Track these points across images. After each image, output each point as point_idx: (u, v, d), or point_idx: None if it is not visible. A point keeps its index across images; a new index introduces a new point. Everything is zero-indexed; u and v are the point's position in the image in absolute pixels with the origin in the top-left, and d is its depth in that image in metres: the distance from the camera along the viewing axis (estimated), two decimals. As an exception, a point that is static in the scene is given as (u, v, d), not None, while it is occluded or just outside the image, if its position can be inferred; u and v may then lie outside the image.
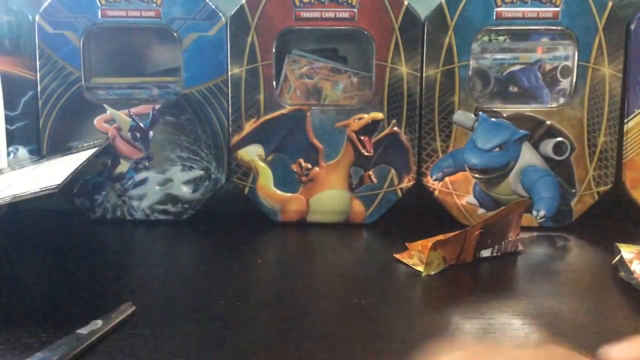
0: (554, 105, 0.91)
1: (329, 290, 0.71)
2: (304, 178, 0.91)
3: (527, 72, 0.93)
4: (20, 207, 0.95)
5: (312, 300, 0.68)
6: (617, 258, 0.74)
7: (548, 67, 0.92)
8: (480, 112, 0.88)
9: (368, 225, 0.92)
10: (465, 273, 0.75)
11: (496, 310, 0.65)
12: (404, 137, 0.90)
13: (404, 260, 0.77)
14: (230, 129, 0.90)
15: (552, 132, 0.88)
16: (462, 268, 0.76)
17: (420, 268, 0.74)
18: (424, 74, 0.88)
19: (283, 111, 0.90)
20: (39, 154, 0.91)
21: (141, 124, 0.90)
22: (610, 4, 0.86)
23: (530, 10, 0.87)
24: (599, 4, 0.86)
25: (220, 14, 0.88)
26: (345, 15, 0.88)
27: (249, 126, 0.90)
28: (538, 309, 0.65)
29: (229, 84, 0.89)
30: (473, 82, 0.91)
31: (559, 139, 0.88)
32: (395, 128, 0.89)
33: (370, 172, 0.91)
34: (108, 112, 0.90)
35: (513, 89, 0.94)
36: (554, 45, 0.92)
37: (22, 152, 0.91)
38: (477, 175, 0.90)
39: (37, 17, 0.88)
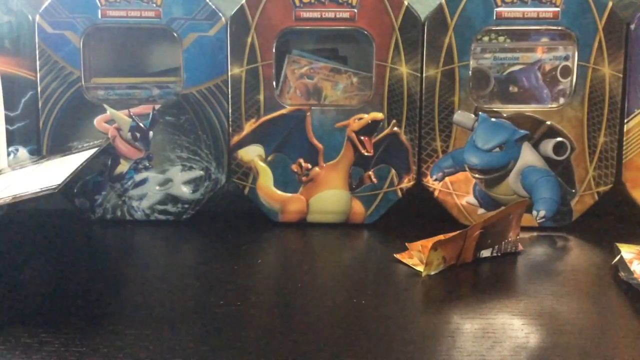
0: (554, 105, 0.91)
1: (328, 290, 0.71)
2: (304, 178, 0.91)
3: (527, 72, 0.93)
4: (20, 207, 0.95)
5: (312, 300, 0.68)
6: (617, 258, 0.74)
7: (548, 67, 0.92)
8: (480, 112, 0.88)
9: (368, 225, 0.92)
10: (465, 273, 0.75)
11: (496, 310, 0.65)
12: (404, 137, 0.90)
13: (404, 260, 0.77)
14: (230, 129, 0.90)
15: (552, 132, 0.88)
16: (462, 268, 0.76)
17: (420, 268, 0.74)
18: (424, 74, 0.88)
19: (283, 111, 0.90)
20: (39, 154, 0.91)
21: (141, 124, 0.90)
22: (610, 4, 0.86)
23: (530, 11, 0.87)
24: (599, 4, 0.86)
25: (220, 14, 0.88)
26: (345, 15, 0.88)
27: (249, 126, 0.90)
28: (538, 309, 0.65)
29: (229, 84, 0.89)
30: (473, 82, 0.91)
31: (559, 139, 0.88)
32: (395, 128, 0.90)
33: (370, 172, 0.91)
34: (108, 112, 0.90)
35: (513, 89, 0.94)
36: (554, 45, 0.92)
37: (22, 152, 0.91)
38: (477, 175, 0.90)
39: (37, 17, 0.88)
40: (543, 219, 0.89)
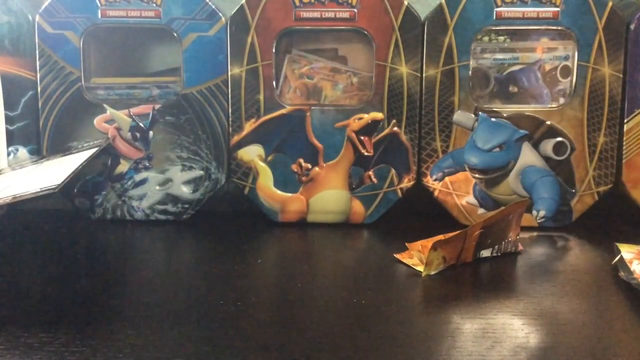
0: (554, 105, 0.91)
1: (329, 290, 0.71)
2: (304, 178, 0.91)
3: (527, 72, 0.93)
4: (20, 207, 0.95)
5: (312, 301, 0.68)
6: (617, 258, 0.74)
7: (548, 67, 0.92)
8: (480, 112, 0.88)
9: (368, 225, 0.92)
10: (465, 273, 0.75)
11: (496, 310, 0.65)
12: (404, 137, 0.90)
13: (404, 260, 0.77)
14: (230, 129, 0.90)
15: (552, 132, 0.89)
16: (462, 268, 0.76)
17: (420, 268, 0.74)
18: (424, 74, 0.88)
19: (283, 111, 0.90)
20: (39, 154, 0.91)
21: (141, 124, 0.90)
22: (610, 4, 0.86)
23: (530, 10, 0.87)
24: (599, 4, 0.86)
25: (220, 14, 0.88)
26: (345, 15, 0.88)
27: (249, 126, 0.90)
28: (538, 309, 0.65)
29: (229, 84, 0.89)
30: (473, 82, 0.91)
31: (559, 139, 0.88)
32: (395, 128, 0.90)
33: (370, 172, 0.91)
34: (108, 112, 0.90)
35: (513, 89, 0.94)
36: (554, 45, 0.92)
37: (22, 152, 0.91)
38: (477, 175, 0.90)
39: (37, 17, 0.88)
40: (543, 219, 0.89)
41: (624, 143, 0.89)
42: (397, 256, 0.78)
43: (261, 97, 0.89)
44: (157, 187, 0.92)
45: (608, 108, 0.88)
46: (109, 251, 0.85)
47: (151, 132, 0.91)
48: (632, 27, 0.87)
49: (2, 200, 0.74)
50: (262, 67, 0.89)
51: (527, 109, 0.89)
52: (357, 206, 0.91)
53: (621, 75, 0.87)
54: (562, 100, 0.91)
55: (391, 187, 0.91)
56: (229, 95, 0.90)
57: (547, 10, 0.87)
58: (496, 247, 0.79)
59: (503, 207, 0.82)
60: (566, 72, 0.91)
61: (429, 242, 0.74)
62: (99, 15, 0.88)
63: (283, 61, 0.93)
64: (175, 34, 0.89)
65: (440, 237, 0.75)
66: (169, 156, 0.91)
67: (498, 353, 0.56)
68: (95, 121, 0.90)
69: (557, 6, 0.86)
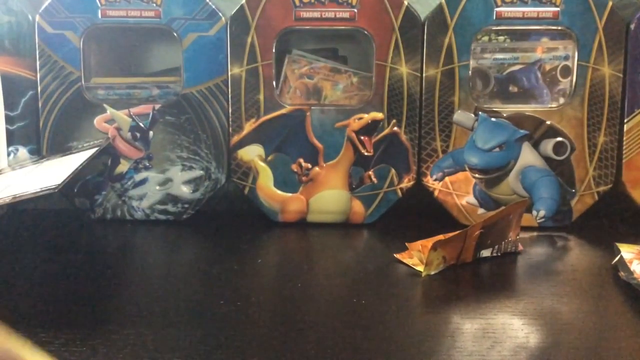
0: (554, 105, 0.91)
1: (329, 290, 0.71)
2: (304, 178, 0.91)
3: (527, 72, 0.93)
4: (20, 207, 0.95)
5: (312, 300, 0.68)
6: (617, 258, 0.74)
7: (548, 67, 0.92)
8: (480, 112, 0.88)
9: (368, 225, 0.92)
10: (465, 273, 0.75)
11: (496, 310, 0.65)
12: (404, 137, 0.90)
13: (404, 260, 0.77)
14: (230, 129, 0.90)
15: (552, 132, 0.88)
16: (462, 268, 0.76)
17: (420, 268, 0.74)
18: (424, 74, 0.88)
19: (283, 111, 0.90)
20: (39, 154, 0.91)
21: (141, 124, 0.90)
22: (610, 4, 0.86)
23: (530, 10, 0.87)
24: (599, 4, 0.86)
25: (220, 14, 0.88)
26: (345, 15, 0.88)
27: (249, 126, 0.90)
28: (538, 309, 0.65)
29: (229, 84, 0.89)
30: (473, 82, 0.91)
31: (559, 139, 0.88)
32: (395, 128, 0.90)
33: (370, 172, 0.91)
34: (108, 112, 0.90)
35: (513, 89, 0.94)
36: (554, 45, 0.92)
37: (22, 152, 0.91)
38: (477, 175, 0.90)
39: (37, 17, 0.88)
40: (543, 219, 0.89)
41: (624, 143, 0.89)
42: (397, 256, 0.78)
43: (261, 97, 0.89)
44: (157, 187, 0.92)
45: (608, 108, 0.88)
46: (109, 251, 0.85)
47: (151, 132, 0.91)
48: (632, 27, 0.87)
49: (2, 200, 0.74)
50: (262, 67, 0.89)
51: (527, 109, 0.89)
52: (357, 206, 0.91)
53: (621, 75, 0.87)
54: (562, 100, 0.91)
55: (391, 187, 0.91)
56: (229, 95, 0.90)
57: (547, 10, 0.87)
58: (496, 247, 0.79)
59: (503, 207, 0.82)
60: (566, 72, 0.91)
61: (429, 242, 0.74)
62: (99, 15, 0.88)
63: (283, 61, 0.93)
64: (175, 34, 0.89)
65: (440, 237, 0.75)
66: (169, 156, 0.91)
67: (498, 353, 0.56)
68: (95, 121, 0.90)
69: (557, 6, 0.86)
